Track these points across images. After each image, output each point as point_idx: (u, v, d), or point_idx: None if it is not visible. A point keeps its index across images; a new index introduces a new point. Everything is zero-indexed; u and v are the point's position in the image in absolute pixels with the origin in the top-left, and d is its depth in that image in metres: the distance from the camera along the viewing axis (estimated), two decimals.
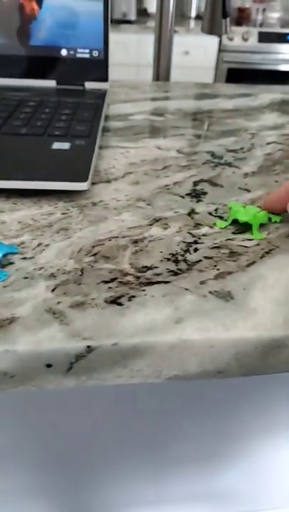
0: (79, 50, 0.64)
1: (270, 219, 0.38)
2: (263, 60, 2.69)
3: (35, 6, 0.62)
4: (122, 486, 0.88)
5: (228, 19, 0.84)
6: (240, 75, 2.71)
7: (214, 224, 0.38)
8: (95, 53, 0.64)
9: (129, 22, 2.57)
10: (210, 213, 0.39)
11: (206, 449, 0.82)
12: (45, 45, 0.63)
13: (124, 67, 2.45)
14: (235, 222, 0.38)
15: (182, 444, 0.80)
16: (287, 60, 2.71)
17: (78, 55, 0.64)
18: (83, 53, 0.64)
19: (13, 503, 0.88)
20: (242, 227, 0.37)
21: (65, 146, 0.46)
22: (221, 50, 2.63)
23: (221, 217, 0.39)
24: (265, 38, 2.65)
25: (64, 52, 0.64)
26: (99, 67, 0.65)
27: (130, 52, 2.47)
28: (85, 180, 0.39)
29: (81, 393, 0.65)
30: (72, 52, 0.64)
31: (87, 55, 0.64)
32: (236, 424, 0.78)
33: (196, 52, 2.56)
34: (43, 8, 0.62)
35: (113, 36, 2.37)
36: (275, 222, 0.38)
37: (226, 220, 0.38)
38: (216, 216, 0.39)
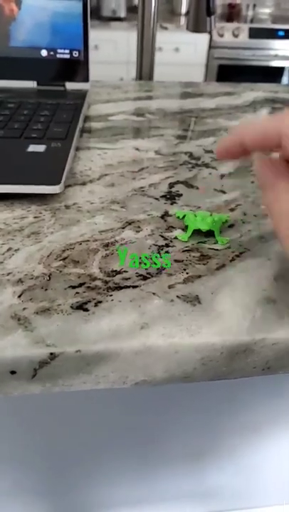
0: (59, 51, 0.63)
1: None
2: (253, 56, 2.68)
3: (14, 7, 0.61)
4: (113, 484, 0.88)
5: (212, 17, 0.83)
6: (231, 71, 2.70)
7: (175, 237, 0.36)
8: (75, 53, 0.63)
9: (119, 19, 2.56)
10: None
11: (197, 447, 0.82)
12: (25, 45, 0.63)
13: (113, 64, 2.43)
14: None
15: (173, 443, 0.80)
16: (279, 56, 2.71)
17: (58, 56, 0.64)
18: (63, 54, 0.63)
19: (5, 503, 0.88)
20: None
21: (41, 148, 0.45)
22: (211, 46, 2.62)
23: None
24: (255, 34, 2.64)
25: (44, 52, 0.63)
26: (79, 68, 0.64)
27: (120, 49, 2.45)
28: (57, 183, 0.39)
29: (72, 393, 0.65)
30: (52, 52, 0.63)
31: (67, 56, 0.64)
32: (227, 422, 0.78)
33: (186, 49, 2.55)
34: (22, 9, 0.61)
35: (102, 34, 2.34)
36: (226, 221, 0.38)
37: (184, 230, 0.37)
38: None
